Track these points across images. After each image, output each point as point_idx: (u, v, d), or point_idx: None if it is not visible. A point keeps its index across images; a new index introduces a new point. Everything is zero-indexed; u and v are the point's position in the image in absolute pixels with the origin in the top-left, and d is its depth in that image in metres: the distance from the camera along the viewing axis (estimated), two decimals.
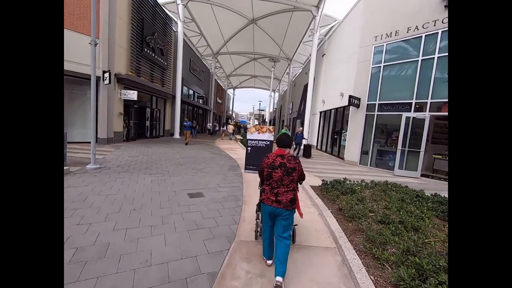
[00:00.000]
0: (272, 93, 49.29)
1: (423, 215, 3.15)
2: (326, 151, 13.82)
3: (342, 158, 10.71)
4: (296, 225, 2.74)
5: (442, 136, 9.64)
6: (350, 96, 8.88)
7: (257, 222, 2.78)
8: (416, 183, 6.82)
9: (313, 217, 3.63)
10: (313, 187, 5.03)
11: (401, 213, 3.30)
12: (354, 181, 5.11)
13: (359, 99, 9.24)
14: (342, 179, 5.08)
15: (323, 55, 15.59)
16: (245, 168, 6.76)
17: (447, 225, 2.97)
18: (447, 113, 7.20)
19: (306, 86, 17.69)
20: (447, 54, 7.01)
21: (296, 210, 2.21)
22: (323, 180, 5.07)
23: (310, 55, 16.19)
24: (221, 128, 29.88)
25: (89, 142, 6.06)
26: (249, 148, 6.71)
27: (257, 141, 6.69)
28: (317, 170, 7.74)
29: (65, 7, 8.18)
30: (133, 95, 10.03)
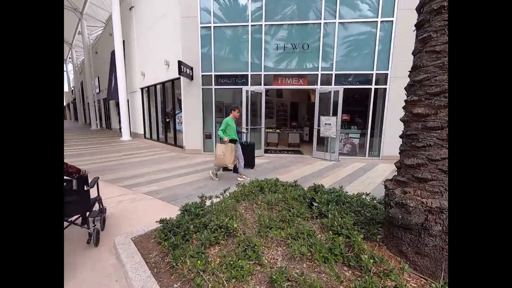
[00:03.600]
0: (64, 64, 33.78)
1: (360, 250, 1.69)
2: (158, 140, 10.69)
3: (182, 147, 8.38)
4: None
5: (267, 110, 10.47)
6: (179, 63, 6.38)
7: None
8: (265, 163, 6.27)
9: None
10: (139, 245, 2.19)
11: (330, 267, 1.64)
12: (213, 195, 2.97)
13: (191, 68, 7.04)
14: (199, 199, 2.74)
15: (130, 8, 11.24)
16: None
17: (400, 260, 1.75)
18: (278, 87, 7.18)
19: (114, 54, 12.51)
20: (277, 23, 6.68)
21: None
22: (160, 222, 2.34)
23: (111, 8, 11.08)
24: None
25: None
26: None
27: None
28: (146, 179, 4.72)
29: None
30: None
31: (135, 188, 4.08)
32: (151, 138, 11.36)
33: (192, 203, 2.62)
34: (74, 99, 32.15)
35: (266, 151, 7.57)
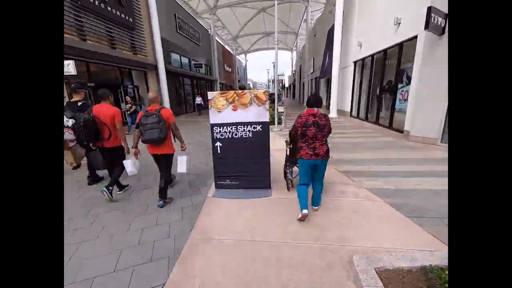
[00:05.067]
0: (290, 52, 42.77)
1: None
2: (367, 119, 9.53)
3: (401, 131, 6.55)
4: None
5: None
6: (429, 9, 4.37)
7: (287, 176, 3.14)
8: None
9: None
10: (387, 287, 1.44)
11: None
12: None
13: (444, 15, 4.67)
14: None
15: None
16: (216, 185, 3.29)
17: None
18: None
19: (330, 31, 12.69)
20: None
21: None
22: (433, 272, 1.38)
23: None
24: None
25: None
26: (218, 145, 3.13)
27: (233, 127, 3.05)
28: (366, 168, 3.92)
29: None
30: (68, 67, 6.75)
31: (356, 178, 3.49)
32: (357, 116, 10.52)
33: None
34: (294, 81, 40.06)
35: None
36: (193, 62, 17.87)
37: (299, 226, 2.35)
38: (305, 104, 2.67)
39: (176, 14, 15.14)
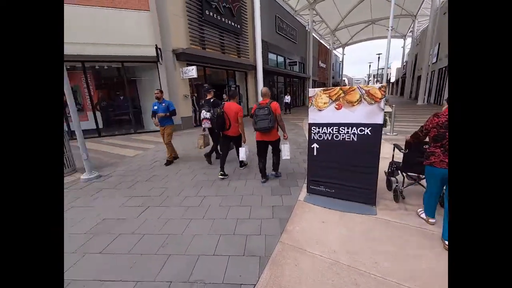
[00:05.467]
0: (401, 40, 35.41)
1: None
2: None
3: None
4: None
5: None
6: None
7: (396, 185, 2.72)
8: None
9: None
10: None
11: None
12: None
13: None
14: None
15: None
16: (309, 189, 3.05)
17: None
18: None
19: None
20: None
21: None
22: None
23: None
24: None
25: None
26: (315, 146, 2.87)
27: (335, 128, 2.69)
28: None
29: None
30: (192, 71, 8.39)
31: None
32: None
33: None
34: (404, 74, 33.05)
35: None
36: (288, 61, 18.15)
37: (418, 264, 1.76)
38: (438, 101, 1.96)
39: (277, 15, 15.74)
